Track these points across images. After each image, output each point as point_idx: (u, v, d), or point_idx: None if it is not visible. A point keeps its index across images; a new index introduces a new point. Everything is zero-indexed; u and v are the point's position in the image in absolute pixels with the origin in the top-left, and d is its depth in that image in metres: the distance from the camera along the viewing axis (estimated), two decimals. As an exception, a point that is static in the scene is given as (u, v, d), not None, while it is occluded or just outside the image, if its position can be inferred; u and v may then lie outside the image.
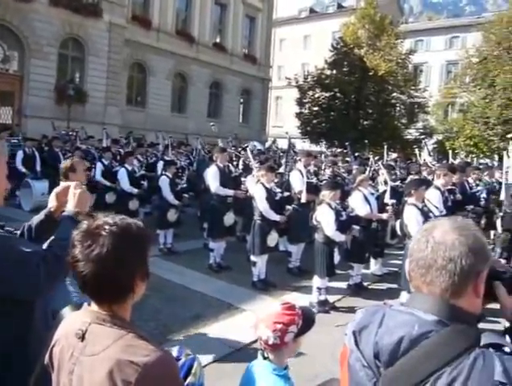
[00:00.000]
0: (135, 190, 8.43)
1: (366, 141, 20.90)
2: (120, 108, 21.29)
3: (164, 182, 7.86)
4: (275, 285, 6.50)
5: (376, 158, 11.03)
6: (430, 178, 8.71)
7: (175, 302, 5.70)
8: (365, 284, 6.82)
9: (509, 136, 15.92)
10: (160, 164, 9.52)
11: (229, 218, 7.13)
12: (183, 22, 25.73)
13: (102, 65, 20.08)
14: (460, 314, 1.12)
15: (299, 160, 7.70)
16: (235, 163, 9.19)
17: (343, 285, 6.59)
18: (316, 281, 5.78)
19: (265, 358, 1.89)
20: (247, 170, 8.05)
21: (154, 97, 24.04)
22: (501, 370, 0.99)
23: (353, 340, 1.23)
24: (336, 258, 5.70)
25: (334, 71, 28.34)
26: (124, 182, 8.39)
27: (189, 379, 1.44)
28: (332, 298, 6.02)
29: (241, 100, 30.22)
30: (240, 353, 4.33)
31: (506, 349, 1.05)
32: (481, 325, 1.23)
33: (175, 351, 1.52)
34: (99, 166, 9.33)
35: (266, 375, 1.85)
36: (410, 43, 35.62)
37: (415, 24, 51.22)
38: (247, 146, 9.56)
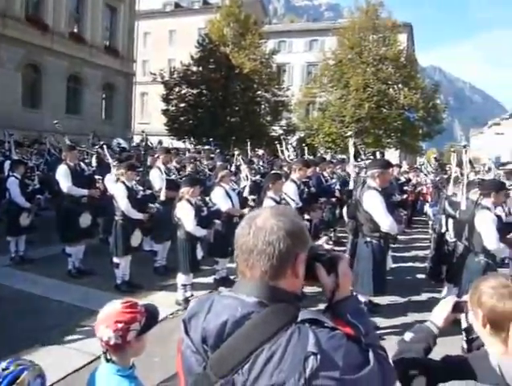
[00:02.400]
0: (-25, 195, 7.57)
1: (233, 138, 21.40)
2: (-42, 101, 18.77)
3: (13, 184, 7.16)
4: (141, 287, 6.34)
5: (237, 152, 11.36)
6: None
7: (28, 314, 5.25)
8: (232, 277, 6.95)
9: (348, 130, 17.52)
10: (7, 164, 8.63)
11: (85, 219, 6.73)
12: (34, 7, 23.42)
13: None
14: (279, 295, 1.19)
15: (158, 157, 7.59)
16: (87, 161, 8.71)
17: (209, 279, 6.69)
18: (180, 278, 5.78)
19: (108, 360, 1.84)
20: (104, 168, 7.70)
21: (1, 90, 21.59)
22: (313, 342, 1.07)
23: (184, 328, 1.26)
24: (200, 254, 5.75)
25: (200, 68, 28.43)
26: (-40, 186, 7.48)
27: None
28: (198, 294, 6.04)
29: (104, 96, 28.60)
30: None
31: (326, 324, 1.15)
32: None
33: (4, 364, 1.43)
34: None
35: (109, 377, 1.81)
36: (274, 43, 37.37)
37: (278, 26, 53.88)
38: (104, 144, 9.16)
